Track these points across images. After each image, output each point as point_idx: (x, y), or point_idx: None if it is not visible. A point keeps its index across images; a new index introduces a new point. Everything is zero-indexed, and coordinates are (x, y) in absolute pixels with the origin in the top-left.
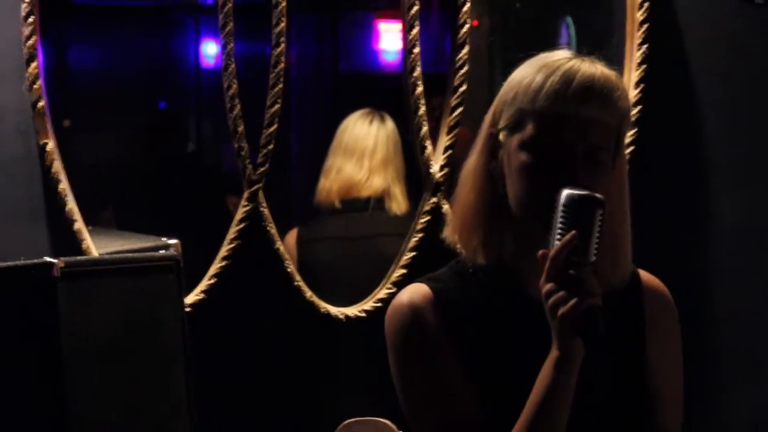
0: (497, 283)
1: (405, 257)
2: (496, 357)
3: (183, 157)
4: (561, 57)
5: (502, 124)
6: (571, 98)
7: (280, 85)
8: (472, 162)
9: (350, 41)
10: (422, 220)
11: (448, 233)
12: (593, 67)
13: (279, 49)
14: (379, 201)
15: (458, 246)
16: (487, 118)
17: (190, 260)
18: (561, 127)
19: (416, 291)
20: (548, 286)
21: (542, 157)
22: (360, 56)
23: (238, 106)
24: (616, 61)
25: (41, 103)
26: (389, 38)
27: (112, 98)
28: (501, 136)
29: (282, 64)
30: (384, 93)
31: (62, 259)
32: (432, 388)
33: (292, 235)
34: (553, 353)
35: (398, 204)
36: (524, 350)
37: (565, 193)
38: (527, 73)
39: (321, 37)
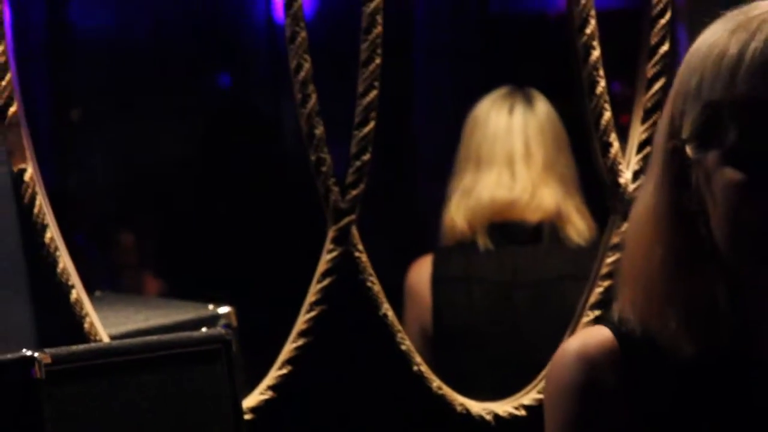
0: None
1: (584, 318)
2: None
3: (259, 163)
4: (763, 10)
5: (687, 131)
6: None
7: (377, 61)
8: (650, 194)
9: None
10: (609, 260)
11: (624, 310)
12: None
13: (374, 4)
14: (548, 226)
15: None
16: (662, 122)
17: (261, 335)
18: None
19: (593, 336)
20: None
21: (761, 169)
22: None
23: (314, 98)
24: None
25: (13, 108)
26: None
27: (144, 75)
28: (689, 150)
29: (378, 28)
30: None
31: (48, 351)
32: None
33: (423, 269)
34: None
35: (576, 229)
36: None
37: None
38: (715, 44)
39: None
